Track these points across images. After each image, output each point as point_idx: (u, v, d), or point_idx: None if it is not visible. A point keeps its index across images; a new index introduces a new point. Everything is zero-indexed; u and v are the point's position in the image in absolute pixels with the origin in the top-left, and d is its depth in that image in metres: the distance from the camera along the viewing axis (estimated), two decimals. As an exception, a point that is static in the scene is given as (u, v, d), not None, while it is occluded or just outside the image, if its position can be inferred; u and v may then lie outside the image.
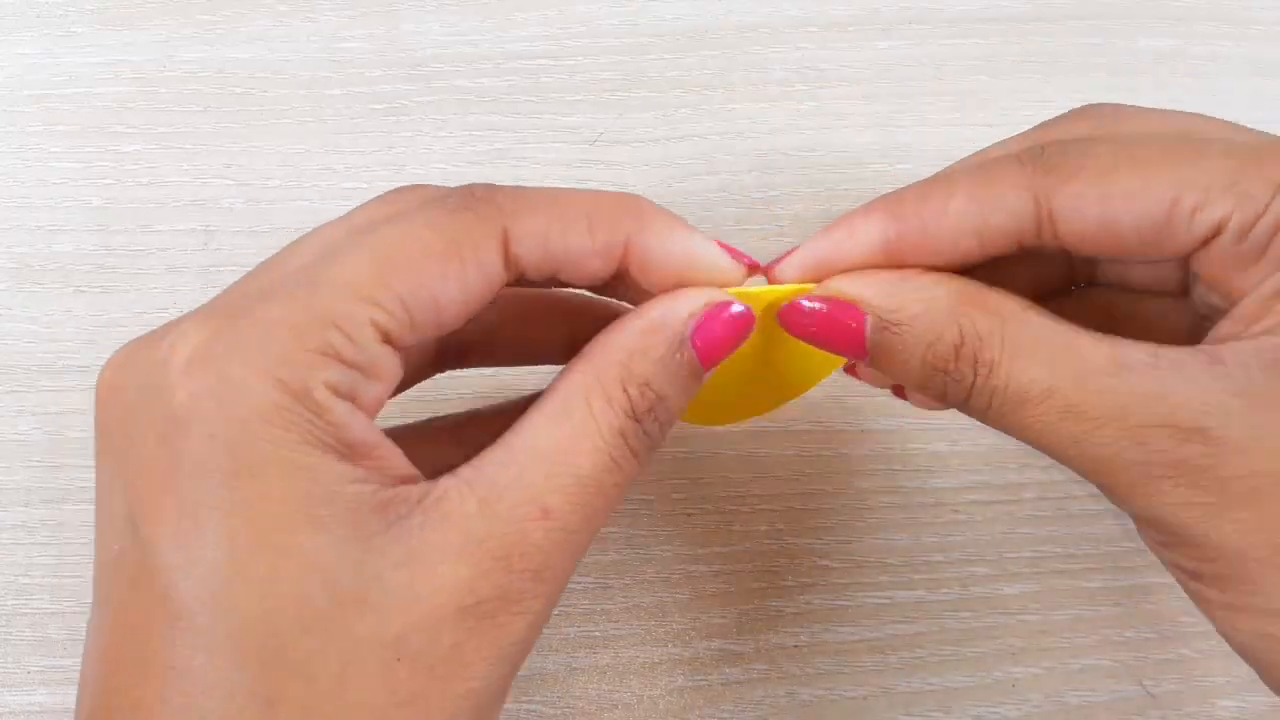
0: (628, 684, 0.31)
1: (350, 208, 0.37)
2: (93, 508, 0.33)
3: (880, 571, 0.32)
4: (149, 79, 0.37)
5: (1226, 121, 0.23)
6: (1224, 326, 0.22)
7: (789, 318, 0.24)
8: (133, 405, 0.21)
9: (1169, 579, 0.33)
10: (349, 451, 0.20)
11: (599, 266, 0.23)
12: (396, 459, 0.21)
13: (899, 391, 0.28)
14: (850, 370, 0.28)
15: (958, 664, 0.32)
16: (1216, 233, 0.22)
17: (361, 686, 0.19)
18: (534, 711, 0.31)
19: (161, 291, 0.34)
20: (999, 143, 0.25)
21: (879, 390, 0.33)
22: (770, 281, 0.24)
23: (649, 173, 0.36)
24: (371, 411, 0.21)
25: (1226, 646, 0.32)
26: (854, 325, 0.23)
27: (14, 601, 0.32)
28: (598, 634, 0.32)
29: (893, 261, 0.23)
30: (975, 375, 0.22)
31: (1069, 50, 0.38)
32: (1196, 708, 0.31)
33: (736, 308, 0.23)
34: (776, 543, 0.33)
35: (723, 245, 0.24)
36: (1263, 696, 0.31)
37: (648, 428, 0.22)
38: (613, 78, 0.37)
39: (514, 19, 0.38)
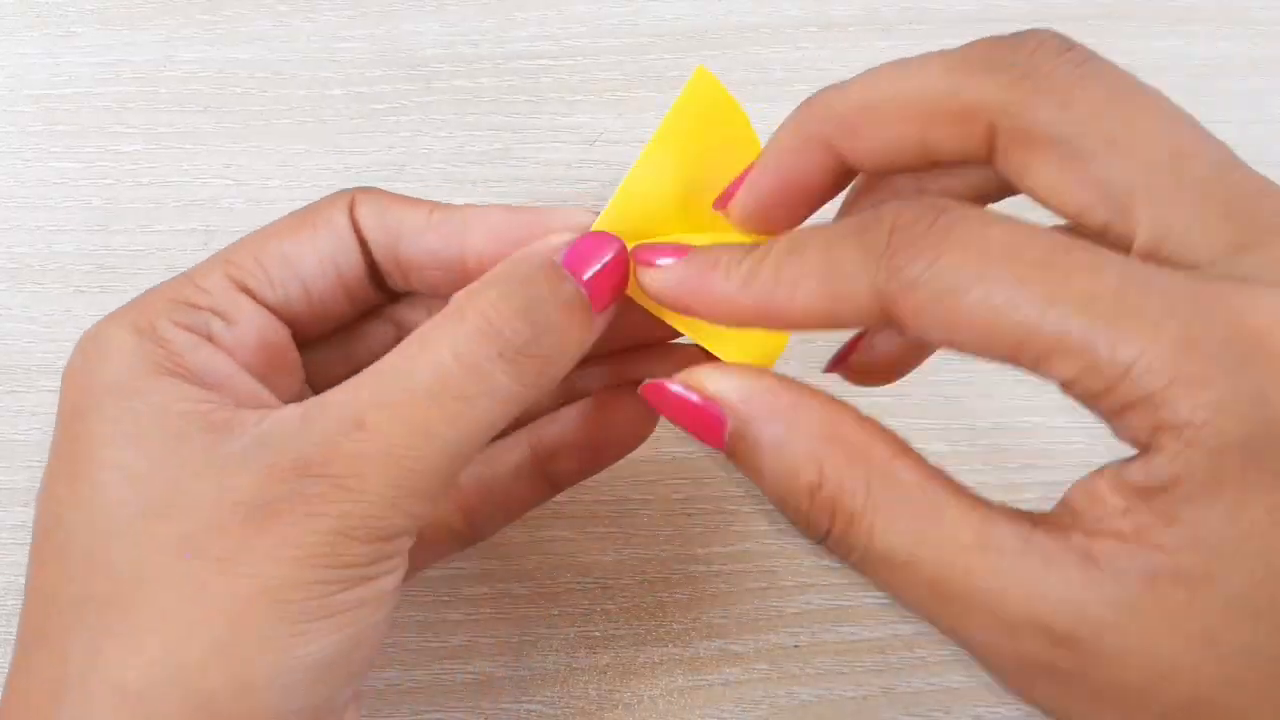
0: (628, 684, 0.31)
1: (350, 208, 0.37)
2: (92, 508, 0.33)
3: (880, 571, 0.32)
4: (149, 79, 0.37)
5: (1200, 139, 0.21)
6: (1088, 517, 0.20)
7: (655, 397, 0.22)
8: None
9: (1169, 579, 0.33)
10: (195, 378, 0.22)
11: (436, 244, 0.25)
12: (251, 390, 0.23)
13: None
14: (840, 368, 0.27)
15: (958, 664, 0.32)
16: (1064, 386, 0.19)
17: (154, 581, 0.20)
18: (534, 711, 0.31)
19: (161, 291, 0.34)
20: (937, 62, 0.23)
21: (877, 391, 0.33)
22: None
23: (649, 173, 0.36)
24: (237, 354, 0.23)
25: (1226, 647, 0.32)
26: (716, 423, 0.21)
27: (14, 602, 0.32)
28: (598, 634, 0.32)
29: (834, 158, 0.23)
30: (833, 524, 0.20)
31: (1069, 50, 0.38)
32: (1196, 708, 0.31)
33: (609, 240, 0.23)
34: (776, 543, 0.33)
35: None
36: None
37: (511, 338, 0.21)
38: (613, 78, 0.37)
39: (514, 19, 0.38)
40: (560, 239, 0.24)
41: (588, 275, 0.23)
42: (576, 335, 0.22)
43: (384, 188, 0.36)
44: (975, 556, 0.20)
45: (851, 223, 0.20)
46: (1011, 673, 0.20)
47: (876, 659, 0.32)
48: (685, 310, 0.22)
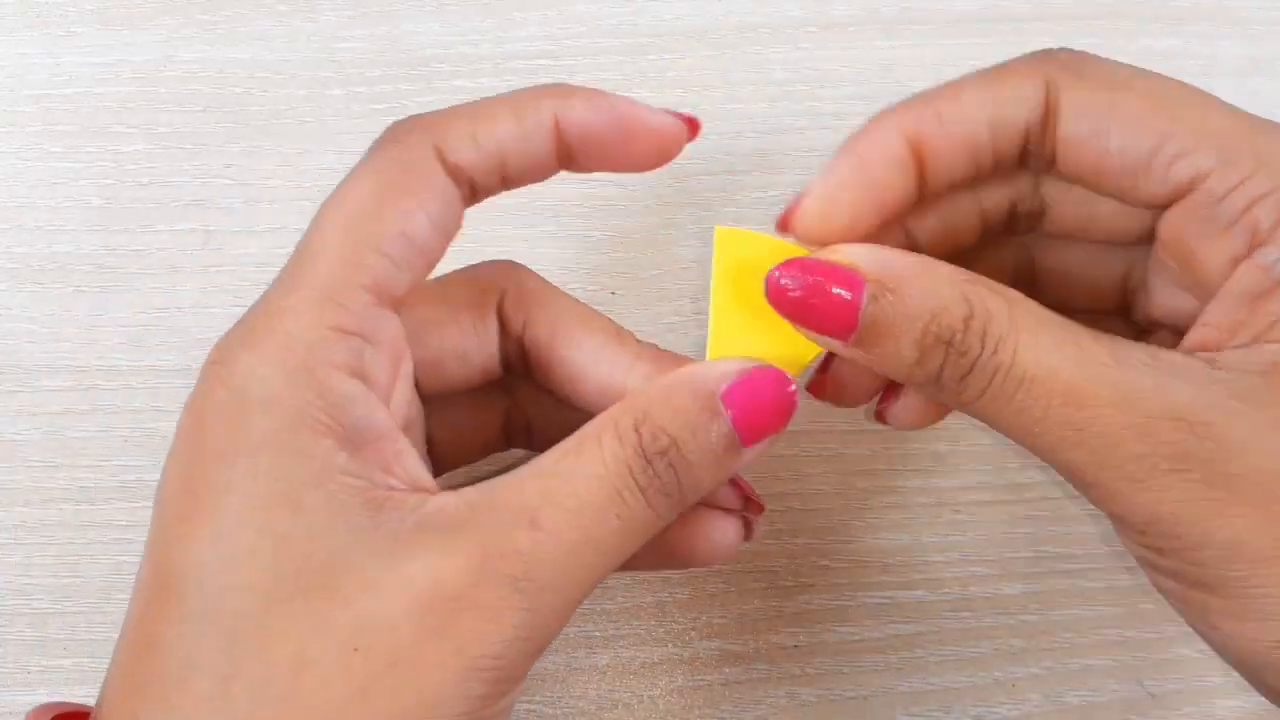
0: (628, 684, 0.31)
1: (350, 208, 0.37)
2: (92, 507, 0.34)
3: (880, 571, 0.32)
4: (149, 79, 0.37)
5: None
6: (1199, 334, 0.22)
7: (776, 290, 0.22)
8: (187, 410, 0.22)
9: (1169, 579, 0.33)
10: (350, 436, 0.20)
11: (537, 147, 0.23)
12: (407, 459, 0.21)
13: (881, 415, 0.27)
14: (878, 414, 0.27)
15: (958, 664, 0.32)
16: (1190, 188, 0.22)
17: (316, 672, 0.19)
18: (534, 711, 0.31)
19: (161, 291, 0.34)
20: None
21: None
22: (790, 234, 0.23)
23: (649, 172, 0.36)
24: (385, 390, 0.21)
25: (1226, 646, 0.32)
26: (848, 294, 0.22)
27: (14, 601, 0.32)
28: (598, 634, 0.32)
29: (914, 154, 0.23)
30: (982, 350, 0.21)
31: (1069, 50, 0.38)
32: (1196, 708, 0.31)
33: (780, 379, 0.22)
34: (776, 543, 0.33)
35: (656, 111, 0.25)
36: (1262, 697, 0.31)
37: (658, 469, 0.21)
38: (613, 78, 0.37)
39: (514, 19, 0.38)
40: (726, 368, 0.22)
41: (748, 414, 0.22)
42: (717, 475, 0.22)
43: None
44: (1110, 369, 0.21)
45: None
46: (1140, 476, 0.21)
47: (876, 659, 0.32)
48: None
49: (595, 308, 0.34)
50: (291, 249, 0.35)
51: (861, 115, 0.38)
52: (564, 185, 0.36)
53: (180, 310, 0.34)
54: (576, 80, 0.37)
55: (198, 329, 0.34)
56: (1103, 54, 0.37)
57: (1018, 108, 0.23)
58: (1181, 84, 0.23)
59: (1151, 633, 0.32)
